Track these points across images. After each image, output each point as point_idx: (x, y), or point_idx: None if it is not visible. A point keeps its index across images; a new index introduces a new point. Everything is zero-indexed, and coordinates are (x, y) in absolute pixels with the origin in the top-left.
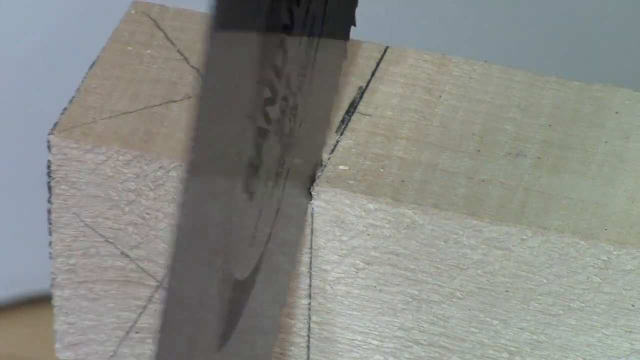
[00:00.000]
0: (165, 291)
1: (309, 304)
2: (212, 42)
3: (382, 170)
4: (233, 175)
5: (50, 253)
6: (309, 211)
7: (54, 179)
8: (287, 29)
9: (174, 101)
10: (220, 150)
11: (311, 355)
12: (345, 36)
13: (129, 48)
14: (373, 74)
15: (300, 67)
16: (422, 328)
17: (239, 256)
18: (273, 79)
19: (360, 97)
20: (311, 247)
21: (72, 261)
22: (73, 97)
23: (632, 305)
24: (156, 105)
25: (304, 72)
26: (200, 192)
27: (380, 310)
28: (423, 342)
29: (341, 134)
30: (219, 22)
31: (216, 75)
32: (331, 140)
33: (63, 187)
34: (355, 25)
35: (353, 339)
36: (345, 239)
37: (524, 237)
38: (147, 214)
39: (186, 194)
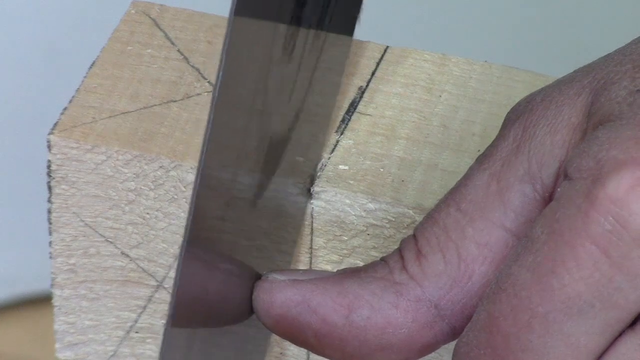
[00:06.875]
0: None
1: None
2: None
3: (382, 170)
4: (274, 29)
5: (50, 253)
6: (309, 211)
7: (54, 179)
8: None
9: (174, 101)
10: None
11: (311, 355)
12: (350, 34)
13: (129, 48)
14: (373, 74)
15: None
16: None
17: (276, 114)
18: None
19: (360, 97)
20: (311, 247)
21: (72, 261)
22: (73, 97)
23: None
24: (156, 105)
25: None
26: (242, 42)
27: None
28: None
29: (341, 134)
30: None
31: None
32: (331, 140)
33: (63, 187)
34: (359, 22)
35: None
36: (345, 238)
37: None
38: (147, 214)
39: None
